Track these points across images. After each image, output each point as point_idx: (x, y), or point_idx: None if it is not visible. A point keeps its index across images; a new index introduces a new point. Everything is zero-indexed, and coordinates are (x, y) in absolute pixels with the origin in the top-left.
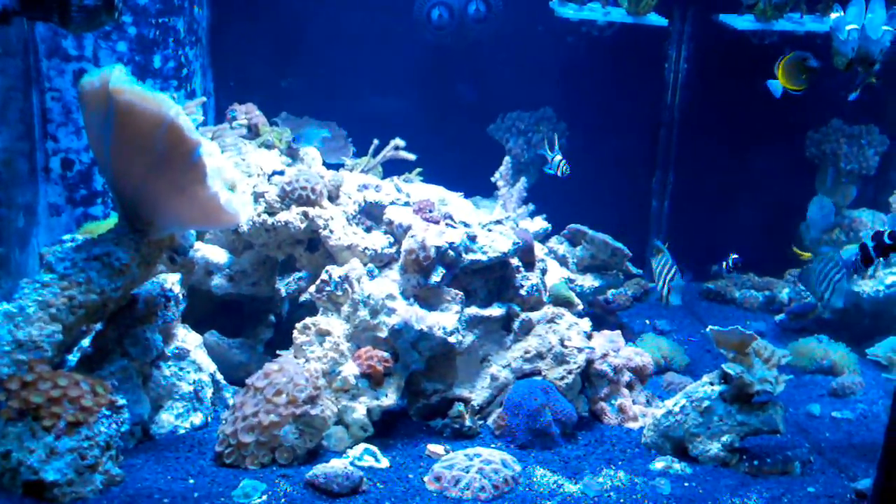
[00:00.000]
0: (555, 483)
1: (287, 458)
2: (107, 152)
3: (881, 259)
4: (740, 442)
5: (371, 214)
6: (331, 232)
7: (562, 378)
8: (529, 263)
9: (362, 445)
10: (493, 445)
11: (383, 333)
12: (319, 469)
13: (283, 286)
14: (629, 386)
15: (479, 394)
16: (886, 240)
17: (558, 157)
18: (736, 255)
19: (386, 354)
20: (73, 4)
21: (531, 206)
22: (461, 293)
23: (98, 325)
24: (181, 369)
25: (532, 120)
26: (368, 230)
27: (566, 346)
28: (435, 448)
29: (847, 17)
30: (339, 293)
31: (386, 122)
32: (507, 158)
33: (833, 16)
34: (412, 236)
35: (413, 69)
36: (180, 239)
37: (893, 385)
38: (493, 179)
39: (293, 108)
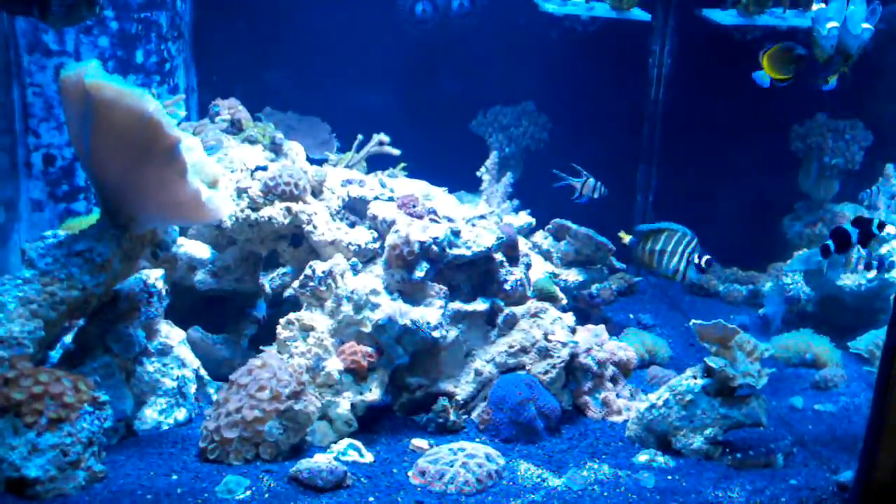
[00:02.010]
0: (539, 477)
1: (271, 454)
2: (87, 148)
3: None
4: (723, 435)
5: (355, 209)
6: (314, 227)
7: (546, 372)
8: (513, 258)
9: (346, 440)
10: (477, 440)
11: (367, 328)
12: (303, 464)
13: (267, 281)
14: (613, 380)
15: (463, 388)
16: (875, 230)
17: (591, 180)
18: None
19: (370, 349)
20: None
21: (515, 202)
22: (445, 288)
23: (80, 322)
24: (164, 365)
25: (514, 114)
26: (352, 225)
27: (550, 341)
28: (419, 442)
29: (828, 12)
30: (323, 288)
31: (370, 117)
32: (493, 153)
33: (815, 6)
34: (396, 231)
35: (396, 63)
36: (163, 234)
37: (875, 378)
38: (478, 174)
39: (277, 103)
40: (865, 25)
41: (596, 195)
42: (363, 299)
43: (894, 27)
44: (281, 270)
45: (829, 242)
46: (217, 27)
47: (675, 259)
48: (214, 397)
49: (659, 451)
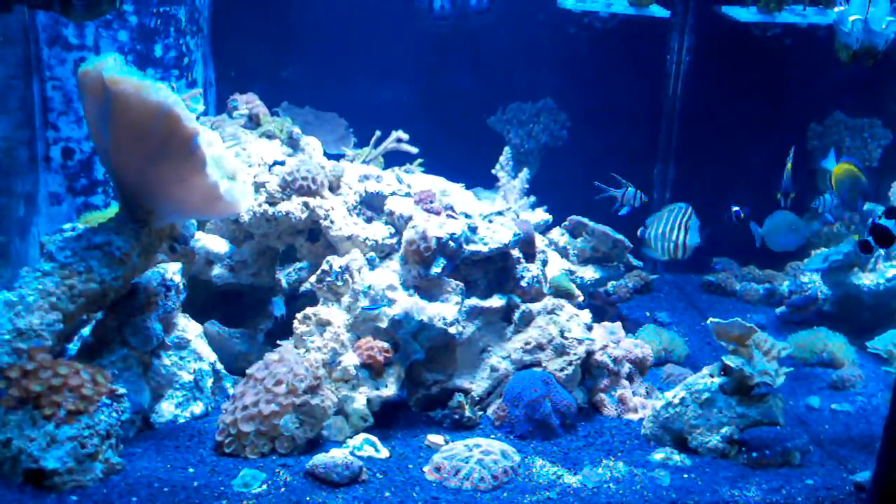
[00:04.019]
0: (554, 474)
1: (287, 448)
2: (106, 142)
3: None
4: (740, 434)
5: (372, 205)
6: (331, 222)
7: (562, 369)
8: (530, 255)
9: (362, 435)
10: (492, 436)
11: (384, 324)
12: (319, 459)
13: (284, 276)
14: (629, 377)
15: (479, 384)
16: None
17: (631, 189)
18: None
19: (386, 345)
20: None
21: (532, 198)
22: (462, 284)
23: (98, 315)
24: (181, 359)
25: (533, 111)
26: (369, 221)
27: (566, 338)
28: (435, 438)
29: (850, 9)
30: (340, 283)
31: (387, 113)
32: (506, 149)
33: (837, 9)
34: (413, 227)
35: (415, 59)
36: (181, 228)
37: (893, 378)
38: (493, 171)
39: (294, 98)
40: (890, 19)
41: (637, 203)
42: (380, 295)
43: None
44: (297, 265)
45: (869, 238)
46: (235, 22)
47: (673, 234)
48: (231, 391)
49: (675, 449)
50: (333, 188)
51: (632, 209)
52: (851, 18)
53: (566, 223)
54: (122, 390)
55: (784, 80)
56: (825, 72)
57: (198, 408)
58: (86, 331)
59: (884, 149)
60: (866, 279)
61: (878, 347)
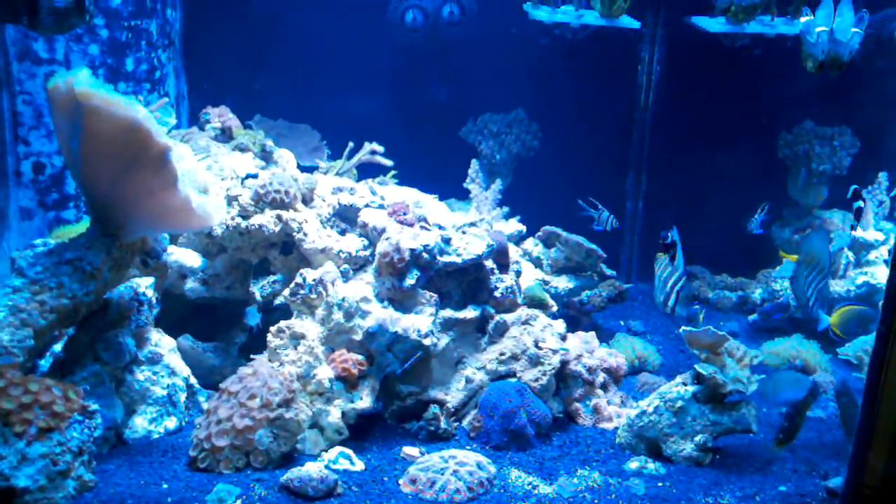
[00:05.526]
0: (530, 484)
1: (262, 462)
2: (77, 156)
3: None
4: (713, 441)
5: (345, 217)
6: (305, 235)
7: (536, 379)
8: (504, 265)
9: (337, 448)
10: (468, 447)
11: (358, 336)
12: (294, 473)
13: (258, 289)
14: (603, 387)
15: (454, 396)
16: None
17: (605, 213)
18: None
19: (360, 357)
20: (43, 6)
21: (506, 209)
22: (436, 295)
23: (70, 330)
24: (155, 373)
25: (505, 122)
26: (343, 233)
27: (541, 348)
28: (410, 450)
29: (816, 20)
30: (314, 296)
31: (360, 125)
32: (473, 161)
33: (803, 19)
34: (387, 239)
35: (387, 71)
36: (153, 243)
37: (864, 384)
38: (465, 185)
39: (267, 111)
40: (855, 30)
41: (609, 228)
42: (354, 307)
43: (882, 33)
44: (271, 278)
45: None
46: (207, 35)
47: (667, 288)
48: (205, 406)
49: (649, 457)
50: (307, 201)
51: (604, 230)
52: (817, 29)
53: (539, 233)
54: (94, 406)
55: (754, 90)
56: (794, 81)
57: (171, 423)
58: (58, 346)
59: (853, 157)
60: (837, 286)
61: (848, 354)
